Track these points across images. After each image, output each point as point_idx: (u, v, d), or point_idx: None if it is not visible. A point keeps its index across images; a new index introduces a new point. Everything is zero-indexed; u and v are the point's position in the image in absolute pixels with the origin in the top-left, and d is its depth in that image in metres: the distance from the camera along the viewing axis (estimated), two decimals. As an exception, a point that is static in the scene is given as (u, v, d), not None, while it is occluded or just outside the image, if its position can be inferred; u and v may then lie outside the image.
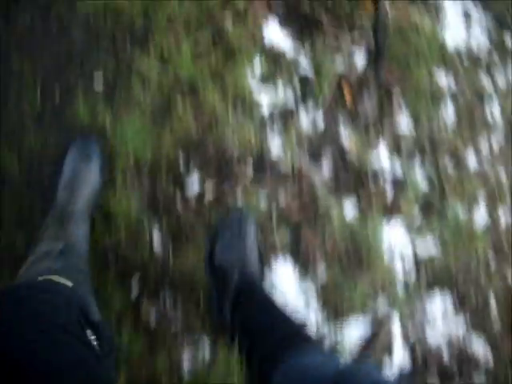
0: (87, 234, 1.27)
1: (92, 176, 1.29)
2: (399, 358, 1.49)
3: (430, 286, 1.55)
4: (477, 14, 1.80)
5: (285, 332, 1.13)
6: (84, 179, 1.28)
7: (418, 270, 1.55)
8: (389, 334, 1.50)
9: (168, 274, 1.37)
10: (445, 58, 1.69)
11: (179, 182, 1.41)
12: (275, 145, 1.48)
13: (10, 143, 1.32)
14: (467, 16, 1.80)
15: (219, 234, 1.33)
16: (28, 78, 1.35)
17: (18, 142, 1.32)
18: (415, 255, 1.54)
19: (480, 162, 1.68)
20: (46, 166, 1.33)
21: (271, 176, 1.46)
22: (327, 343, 1.43)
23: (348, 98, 1.57)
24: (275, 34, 1.55)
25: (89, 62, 1.40)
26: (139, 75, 1.41)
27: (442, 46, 1.70)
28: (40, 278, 0.96)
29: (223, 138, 1.44)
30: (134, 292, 1.35)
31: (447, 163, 1.64)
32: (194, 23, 1.48)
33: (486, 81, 1.74)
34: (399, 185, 1.56)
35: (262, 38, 1.54)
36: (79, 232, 1.25)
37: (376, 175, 1.55)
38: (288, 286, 1.43)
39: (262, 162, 1.46)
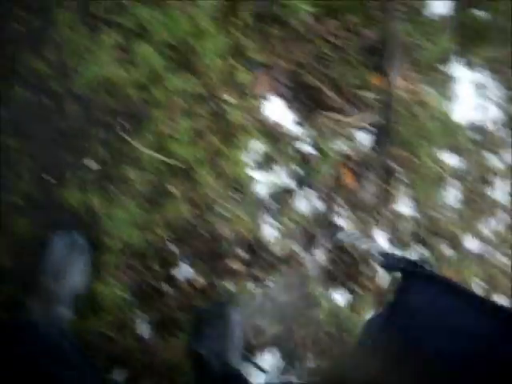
0: (70, 319, 1.28)
1: (78, 264, 1.29)
2: None
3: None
4: (490, 86, 1.74)
5: None
6: (69, 267, 1.28)
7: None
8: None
9: (152, 361, 1.37)
10: (452, 137, 1.64)
11: (169, 270, 1.39)
12: (270, 229, 1.45)
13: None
14: (480, 88, 1.73)
15: (203, 323, 1.33)
16: (20, 156, 1.33)
17: (7, 223, 1.30)
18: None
19: (481, 245, 1.65)
20: (34, 250, 1.31)
21: (264, 262, 1.44)
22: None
23: (349, 179, 1.53)
24: (277, 112, 1.51)
25: (82, 142, 1.37)
26: (133, 158, 1.38)
27: (450, 124, 1.64)
28: None
29: (216, 223, 1.42)
30: (117, 377, 1.35)
31: (446, 247, 1.61)
32: (194, 101, 1.43)
33: (493, 160, 1.69)
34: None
35: (263, 116, 1.49)
36: (63, 315, 1.26)
37: (371, 261, 1.52)
38: (273, 377, 1.42)
39: (255, 248, 1.44)
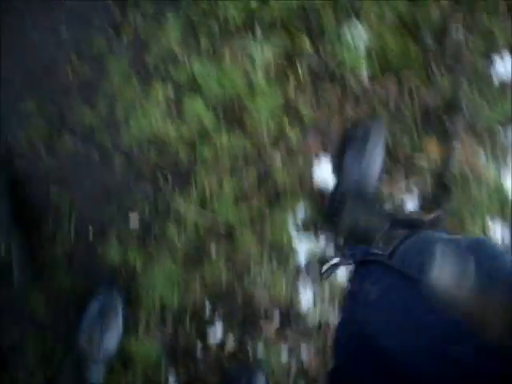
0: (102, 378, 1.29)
1: (114, 326, 1.29)
2: None
3: None
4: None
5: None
6: (105, 331, 1.28)
7: None
8: None
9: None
10: (504, 210, 1.58)
11: (202, 330, 1.39)
12: (306, 297, 1.43)
13: (39, 280, 1.31)
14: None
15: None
16: (64, 212, 1.33)
17: (48, 279, 1.31)
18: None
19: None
20: (72, 307, 1.32)
21: (296, 330, 1.42)
22: None
23: (391, 248, 1.49)
24: (325, 175, 1.47)
25: (127, 198, 1.36)
26: (176, 216, 1.37)
27: (501, 193, 1.58)
28: None
29: (253, 288, 1.40)
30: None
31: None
32: (241, 160, 1.41)
33: (544, 233, 1.62)
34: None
35: (311, 179, 1.46)
36: (96, 376, 1.27)
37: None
38: None
39: (289, 315, 1.43)
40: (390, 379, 0.68)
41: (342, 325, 0.90)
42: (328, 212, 1.38)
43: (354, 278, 0.92)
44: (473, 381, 0.60)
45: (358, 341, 0.78)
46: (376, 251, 0.90)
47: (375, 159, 1.37)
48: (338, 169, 1.40)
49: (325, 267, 1.24)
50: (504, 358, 0.59)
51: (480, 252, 0.76)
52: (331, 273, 1.27)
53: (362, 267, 0.90)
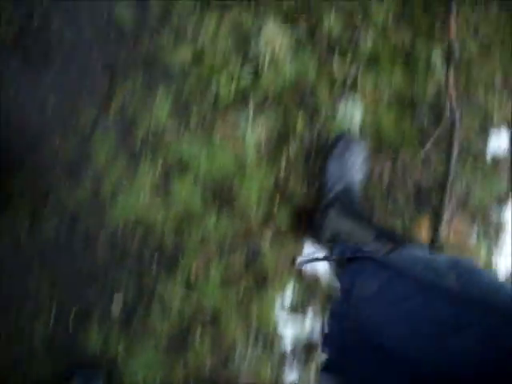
0: None
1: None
2: None
3: None
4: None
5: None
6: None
7: None
8: None
9: None
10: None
11: (184, 416, 1.35)
12: (291, 381, 1.41)
13: (17, 368, 1.27)
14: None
15: None
16: (44, 297, 1.28)
17: (25, 368, 1.27)
18: None
19: None
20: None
21: (281, 415, 1.40)
22: None
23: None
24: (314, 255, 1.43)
25: (110, 283, 1.32)
26: (161, 301, 1.33)
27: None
28: None
29: (238, 373, 1.37)
30: None
31: None
32: (229, 244, 1.37)
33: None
34: None
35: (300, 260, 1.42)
36: None
37: None
38: None
39: (275, 400, 1.39)
40: (390, 374, 0.66)
41: (334, 321, 0.89)
42: (311, 224, 1.35)
43: (343, 274, 0.91)
44: (473, 374, 0.58)
45: (354, 336, 0.76)
46: (367, 249, 0.90)
47: (358, 171, 1.35)
48: (320, 180, 1.37)
49: (303, 258, 1.22)
50: None
51: (459, 267, 0.77)
52: (308, 264, 1.26)
53: (354, 263, 0.89)
